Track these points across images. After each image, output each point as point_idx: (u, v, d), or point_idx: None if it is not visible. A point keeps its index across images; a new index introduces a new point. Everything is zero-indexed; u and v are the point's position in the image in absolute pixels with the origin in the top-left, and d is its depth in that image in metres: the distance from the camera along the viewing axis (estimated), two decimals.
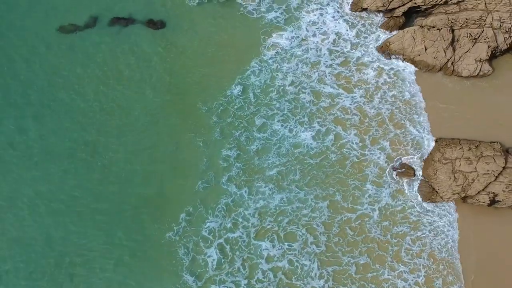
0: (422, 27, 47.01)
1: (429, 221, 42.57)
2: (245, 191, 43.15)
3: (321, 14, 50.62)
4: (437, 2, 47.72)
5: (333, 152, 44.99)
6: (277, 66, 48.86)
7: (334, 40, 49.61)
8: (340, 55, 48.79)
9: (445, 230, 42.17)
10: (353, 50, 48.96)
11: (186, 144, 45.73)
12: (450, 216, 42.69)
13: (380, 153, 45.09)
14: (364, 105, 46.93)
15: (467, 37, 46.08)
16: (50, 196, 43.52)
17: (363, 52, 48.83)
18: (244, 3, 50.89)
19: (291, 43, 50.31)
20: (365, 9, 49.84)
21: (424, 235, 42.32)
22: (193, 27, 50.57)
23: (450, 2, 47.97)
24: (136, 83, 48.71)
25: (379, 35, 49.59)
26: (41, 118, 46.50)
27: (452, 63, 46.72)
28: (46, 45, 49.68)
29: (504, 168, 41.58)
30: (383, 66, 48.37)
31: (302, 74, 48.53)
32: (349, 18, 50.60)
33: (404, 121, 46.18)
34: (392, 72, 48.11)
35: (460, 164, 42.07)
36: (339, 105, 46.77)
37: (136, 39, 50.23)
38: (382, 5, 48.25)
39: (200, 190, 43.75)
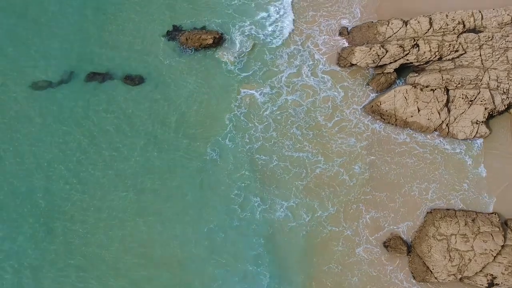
0: (415, 86, 42.95)
1: None
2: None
3: (303, 69, 46.61)
4: (431, 59, 43.59)
5: (305, 230, 41.09)
6: (252, 127, 45.21)
7: (315, 99, 45.56)
8: (320, 115, 44.51)
9: None
10: (337, 110, 44.72)
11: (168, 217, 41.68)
12: None
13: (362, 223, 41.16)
14: (343, 173, 42.70)
15: (462, 98, 42.10)
16: None
17: (349, 112, 44.61)
18: (222, 59, 46.81)
19: (268, 100, 46.58)
20: (354, 64, 45.65)
21: None
22: (171, 84, 46.83)
23: (444, 59, 43.82)
24: (111, 144, 44.61)
25: (368, 93, 45.40)
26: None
27: (447, 125, 42.78)
28: (14, 101, 45.14)
29: (503, 246, 37.53)
30: (370, 129, 44.18)
31: (276, 137, 44.57)
32: (335, 73, 46.35)
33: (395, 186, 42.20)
34: (382, 134, 43.93)
35: (456, 242, 38.16)
36: (315, 172, 42.51)
37: (113, 96, 46.06)
38: (372, 61, 44.25)
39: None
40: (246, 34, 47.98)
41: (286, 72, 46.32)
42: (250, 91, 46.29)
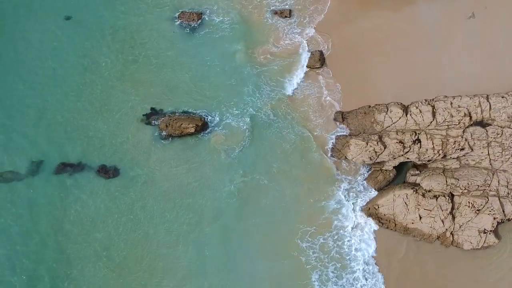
0: (416, 191, 37.78)
1: None
2: None
3: None
4: (434, 158, 38.37)
5: None
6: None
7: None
8: None
9: None
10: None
11: None
12: None
13: None
14: None
15: (469, 207, 37.09)
16: None
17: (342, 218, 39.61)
18: (218, 147, 41.46)
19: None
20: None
21: None
22: (151, 178, 41.68)
23: (449, 157, 38.58)
24: (80, 247, 39.30)
25: (364, 192, 40.25)
26: None
27: (451, 233, 37.75)
28: None
29: None
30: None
31: None
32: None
33: None
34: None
35: None
36: None
37: (83, 192, 40.64)
38: (369, 158, 39.21)
39: None
40: (240, 116, 42.50)
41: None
42: (246, 179, 40.86)
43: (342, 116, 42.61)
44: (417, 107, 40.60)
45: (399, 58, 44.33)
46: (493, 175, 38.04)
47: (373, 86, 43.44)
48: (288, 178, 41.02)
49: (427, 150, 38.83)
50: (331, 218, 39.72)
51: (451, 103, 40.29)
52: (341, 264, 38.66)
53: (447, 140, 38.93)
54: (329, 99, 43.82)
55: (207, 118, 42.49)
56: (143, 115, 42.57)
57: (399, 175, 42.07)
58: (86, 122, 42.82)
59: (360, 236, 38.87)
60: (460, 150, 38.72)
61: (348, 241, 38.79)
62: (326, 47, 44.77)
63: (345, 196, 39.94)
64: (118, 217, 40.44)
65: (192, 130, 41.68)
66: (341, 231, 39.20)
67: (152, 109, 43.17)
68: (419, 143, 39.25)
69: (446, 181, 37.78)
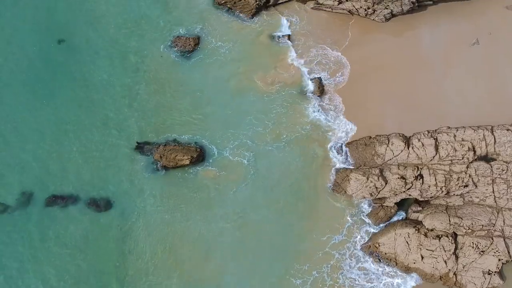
0: (418, 230, 36.25)
1: None
2: None
3: None
4: (437, 195, 36.80)
5: None
6: None
7: None
8: None
9: None
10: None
11: None
12: None
13: None
14: None
15: (473, 247, 35.40)
16: None
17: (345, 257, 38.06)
18: (209, 182, 39.84)
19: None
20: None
21: None
22: (143, 213, 40.40)
23: (452, 194, 37.00)
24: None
25: (366, 229, 38.75)
26: None
27: (454, 273, 36.15)
28: None
29: None
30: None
31: None
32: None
33: None
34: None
35: None
36: None
37: (74, 226, 39.12)
38: (369, 194, 37.63)
39: None
40: (238, 148, 40.97)
41: None
42: (242, 215, 39.44)
43: (341, 147, 41.03)
44: (419, 140, 39.05)
45: (401, 84, 42.99)
46: (498, 213, 36.49)
47: (374, 113, 42.10)
48: (290, 212, 39.52)
49: (429, 186, 37.27)
50: (331, 253, 38.08)
51: (455, 136, 38.77)
52: None
53: (451, 176, 37.36)
54: (331, 127, 42.11)
55: (204, 150, 40.78)
56: (136, 147, 40.76)
57: (401, 207, 40.40)
58: (77, 154, 41.28)
59: (362, 272, 37.40)
60: (464, 187, 37.15)
61: (349, 275, 37.32)
62: (329, 75, 43.19)
63: (348, 230, 38.44)
64: (106, 254, 38.78)
65: (187, 162, 40.20)
66: (340, 264, 37.61)
67: (137, 143, 41.41)
68: (421, 179, 37.66)
69: (449, 220, 36.27)
